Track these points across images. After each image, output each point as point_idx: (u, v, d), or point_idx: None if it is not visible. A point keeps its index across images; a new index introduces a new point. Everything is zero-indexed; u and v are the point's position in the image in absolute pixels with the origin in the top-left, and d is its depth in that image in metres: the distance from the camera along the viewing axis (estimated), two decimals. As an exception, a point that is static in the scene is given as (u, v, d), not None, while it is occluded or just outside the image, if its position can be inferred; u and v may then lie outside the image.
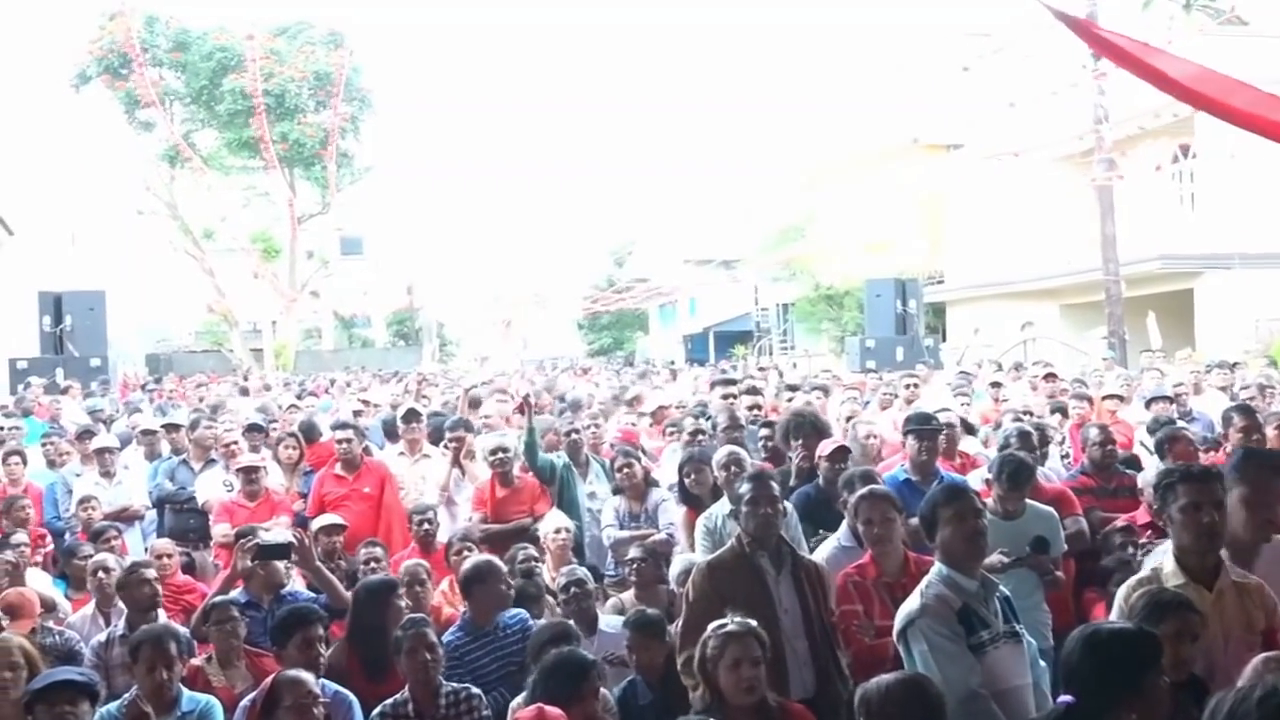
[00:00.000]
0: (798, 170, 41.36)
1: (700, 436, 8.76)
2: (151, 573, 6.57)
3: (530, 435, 8.58)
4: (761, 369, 22.92)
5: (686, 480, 7.47)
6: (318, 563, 6.55)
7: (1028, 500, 6.39)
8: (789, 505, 6.48)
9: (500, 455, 8.49)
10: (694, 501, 7.34)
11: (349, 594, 6.32)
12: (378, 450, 10.19)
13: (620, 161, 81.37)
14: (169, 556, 7.63)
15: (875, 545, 5.43)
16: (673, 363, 36.80)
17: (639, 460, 8.24)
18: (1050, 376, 12.96)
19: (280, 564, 6.54)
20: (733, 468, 7.00)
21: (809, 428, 8.05)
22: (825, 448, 7.40)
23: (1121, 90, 22.46)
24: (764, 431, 8.78)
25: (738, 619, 4.40)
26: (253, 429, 10.41)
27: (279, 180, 41.90)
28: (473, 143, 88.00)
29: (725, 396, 10.52)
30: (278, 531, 6.90)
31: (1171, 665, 3.66)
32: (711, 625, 4.42)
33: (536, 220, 62.58)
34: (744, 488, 5.36)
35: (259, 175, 43.06)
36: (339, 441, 9.06)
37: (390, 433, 11.12)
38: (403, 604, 6.09)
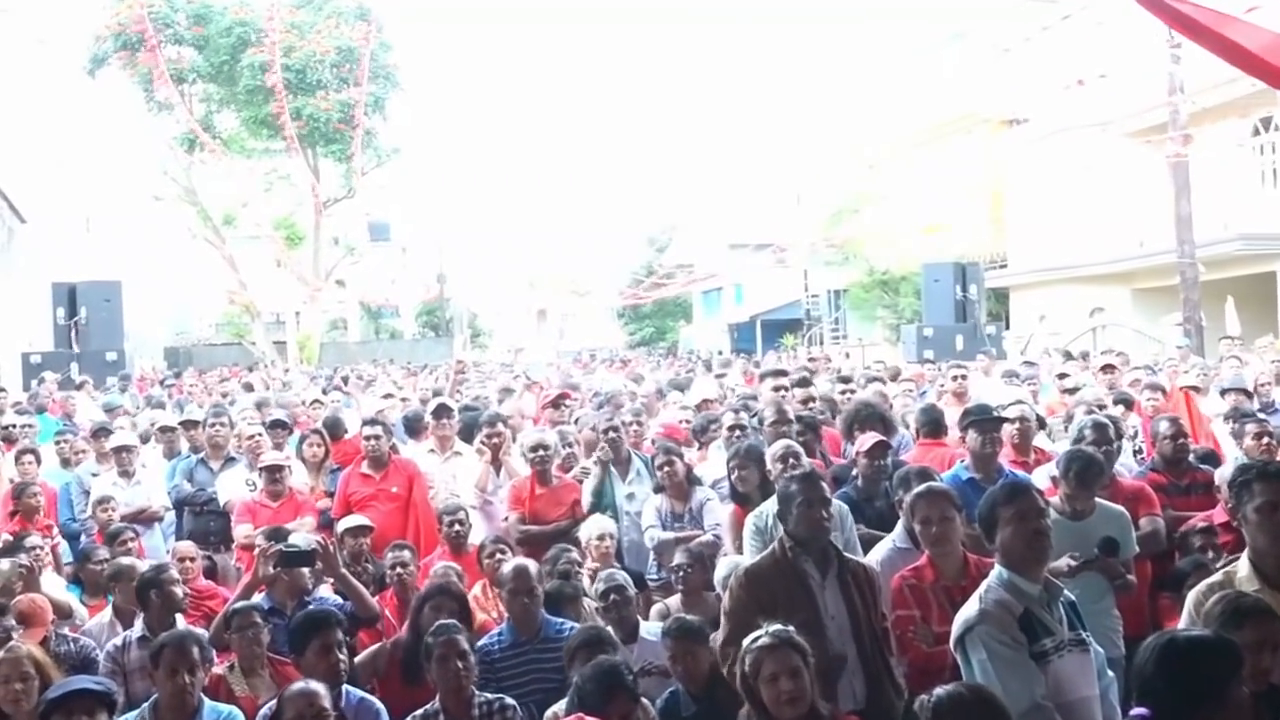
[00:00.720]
0: (851, 148, 41.17)
1: (738, 432, 8.69)
2: (176, 575, 6.64)
3: (599, 485, 8.59)
4: (812, 360, 22.86)
5: (734, 476, 7.44)
6: (343, 569, 6.61)
7: (1098, 499, 6.33)
8: (842, 506, 6.46)
9: (541, 453, 8.50)
10: (743, 499, 7.32)
11: (376, 600, 6.37)
12: (401, 447, 10.24)
13: (661, 142, 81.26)
14: (191, 560, 7.71)
15: (933, 546, 5.39)
16: (721, 353, 36.70)
17: (681, 457, 8.22)
18: (1108, 368, 12.79)
19: (305, 570, 6.59)
20: (789, 461, 6.97)
21: (875, 420, 7.99)
22: (864, 443, 7.38)
23: (1198, 59, 22.19)
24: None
25: (773, 629, 4.37)
26: (276, 425, 10.50)
27: (301, 163, 42.13)
28: (505, 125, 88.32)
29: (777, 389, 10.40)
30: (301, 536, 6.94)
31: (1251, 675, 3.62)
32: (747, 638, 4.42)
33: (573, 205, 62.76)
34: (791, 487, 5.35)
35: (281, 158, 43.29)
36: (367, 438, 9.11)
37: (413, 428, 11.17)
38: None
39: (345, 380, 18.77)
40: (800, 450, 7.26)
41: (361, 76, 39.90)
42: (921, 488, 5.64)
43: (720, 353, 38.05)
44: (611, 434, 8.83)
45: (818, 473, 5.72)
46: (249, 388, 18.56)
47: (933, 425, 8.49)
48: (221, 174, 41.69)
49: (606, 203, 62.01)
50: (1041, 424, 9.38)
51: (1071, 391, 11.83)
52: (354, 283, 53.35)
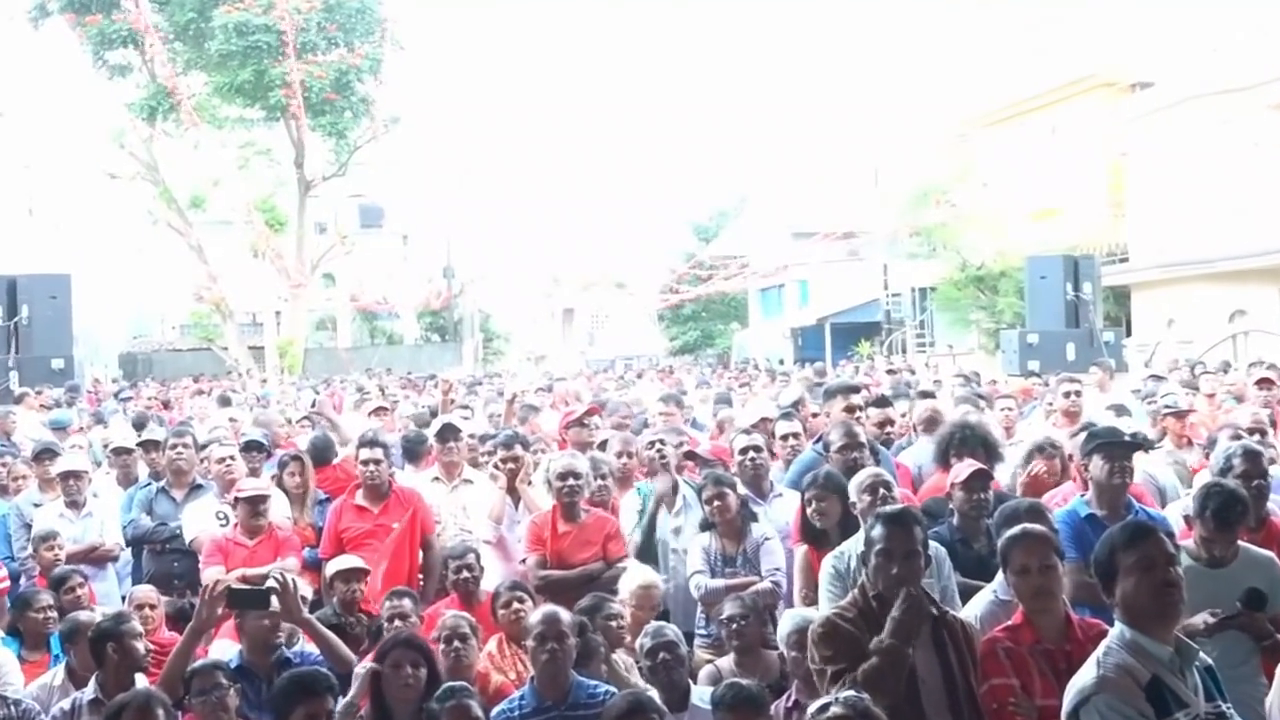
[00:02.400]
0: (943, 118, 41.06)
1: (793, 441, 8.71)
2: (139, 627, 6.65)
3: (652, 521, 8.59)
4: (892, 371, 22.78)
5: (810, 509, 7.41)
6: (307, 614, 6.56)
7: (1241, 542, 6.28)
8: (938, 549, 6.43)
9: (570, 482, 8.42)
10: (817, 538, 7.30)
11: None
12: (399, 473, 10.27)
13: (709, 112, 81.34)
14: (152, 607, 7.74)
15: (1031, 600, 5.34)
16: (781, 362, 36.69)
17: (734, 488, 8.17)
18: (1264, 382, 12.68)
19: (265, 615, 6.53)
20: (880, 493, 6.96)
21: (976, 444, 7.96)
22: (960, 472, 7.35)
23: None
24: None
25: (846, 695, 4.36)
26: (252, 447, 10.52)
27: (282, 134, 42.40)
28: (525, 91, 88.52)
29: (849, 409, 10.02)
30: (278, 570, 6.94)
31: None
32: (812, 708, 4.39)
33: (604, 185, 62.94)
34: (875, 530, 5.31)
35: (259, 129, 43.62)
36: (363, 463, 9.13)
37: (413, 453, 11.19)
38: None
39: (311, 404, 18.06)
40: (892, 480, 7.23)
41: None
42: (1017, 530, 5.57)
43: (780, 362, 37.97)
44: (659, 446, 8.80)
45: (911, 512, 5.62)
46: (225, 401, 18.57)
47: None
48: (188, 147, 41.98)
49: (644, 184, 62.21)
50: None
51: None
52: (345, 277, 53.61)
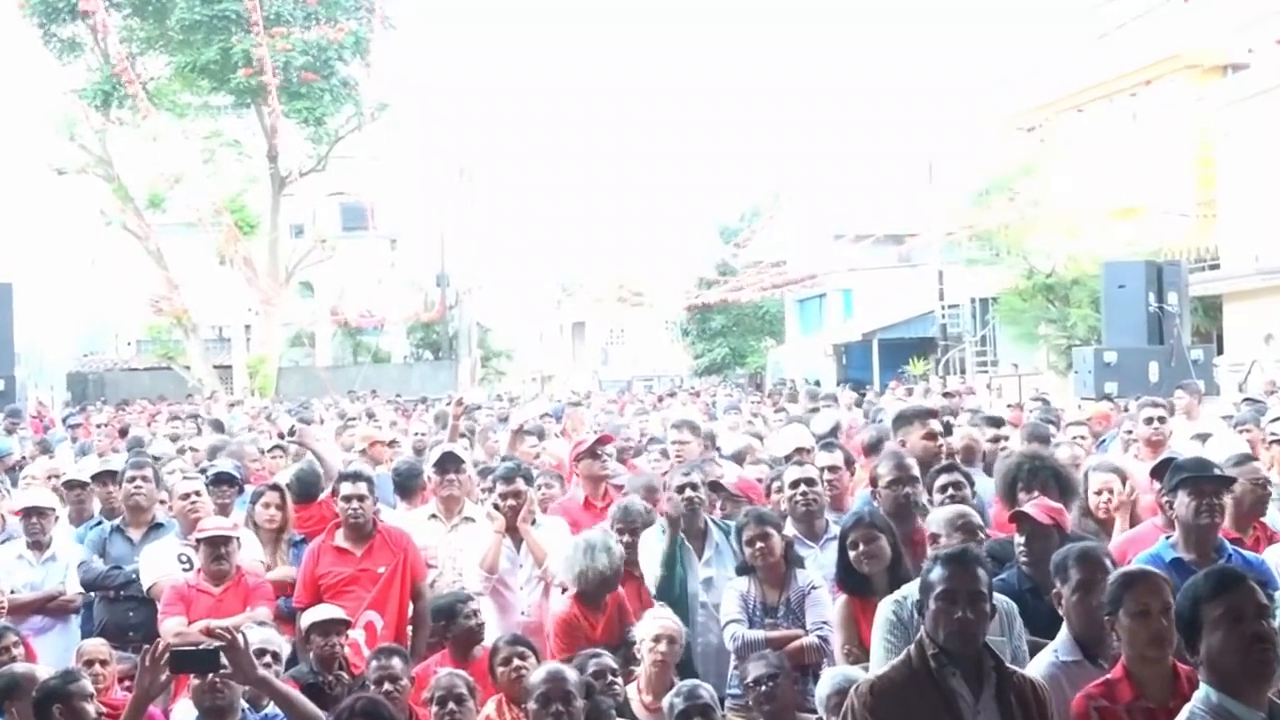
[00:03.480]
0: (1007, 104, 41.00)
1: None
2: (89, 686, 6.63)
3: (672, 549, 8.56)
4: (949, 394, 22.75)
5: (856, 552, 7.32)
6: (264, 673, 6.44)
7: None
8: (1008, 604, 6.43)
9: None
10: (859, 586, 7.28)
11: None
12: (389, 511, 10.25)
13: (738, 99, 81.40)
14: (103, 663, 7.72)
15: (1146, 648, 5.31)
16: (818, 384, 36.66)
17: (779, 529, 8.11)
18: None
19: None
20: (979, 535, 6.95)
21: (1048, 479, 7.95)
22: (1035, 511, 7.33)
23: None
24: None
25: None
26: (221, 480, 10.49)
27: (254, 124, 42.46)
28: (531, 77, 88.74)
29: (930, 436, 9.86)
30: (259, 632, 6.95)
31: None
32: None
33: (620, 184, 63.09)
34: (934, 572, 5.28)
35: (228, 118, 43.72)
36: (346, 499, 9.08)
37: (406, 487, 11.17)
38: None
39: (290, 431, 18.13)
40: (981, 523, 7.19)
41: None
42: (1134, 569, 5.61)
43: (816, 383, 37.85)
44: (689, 491, 8.71)
45: (973, 551, 5.64)
46: (219, 426, 18.40)
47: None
48: (146, 139, 42.03)
49: (665, 181, 62.33)
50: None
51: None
52: (324, 286, 53.65)
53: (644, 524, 8.85)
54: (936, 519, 7.17)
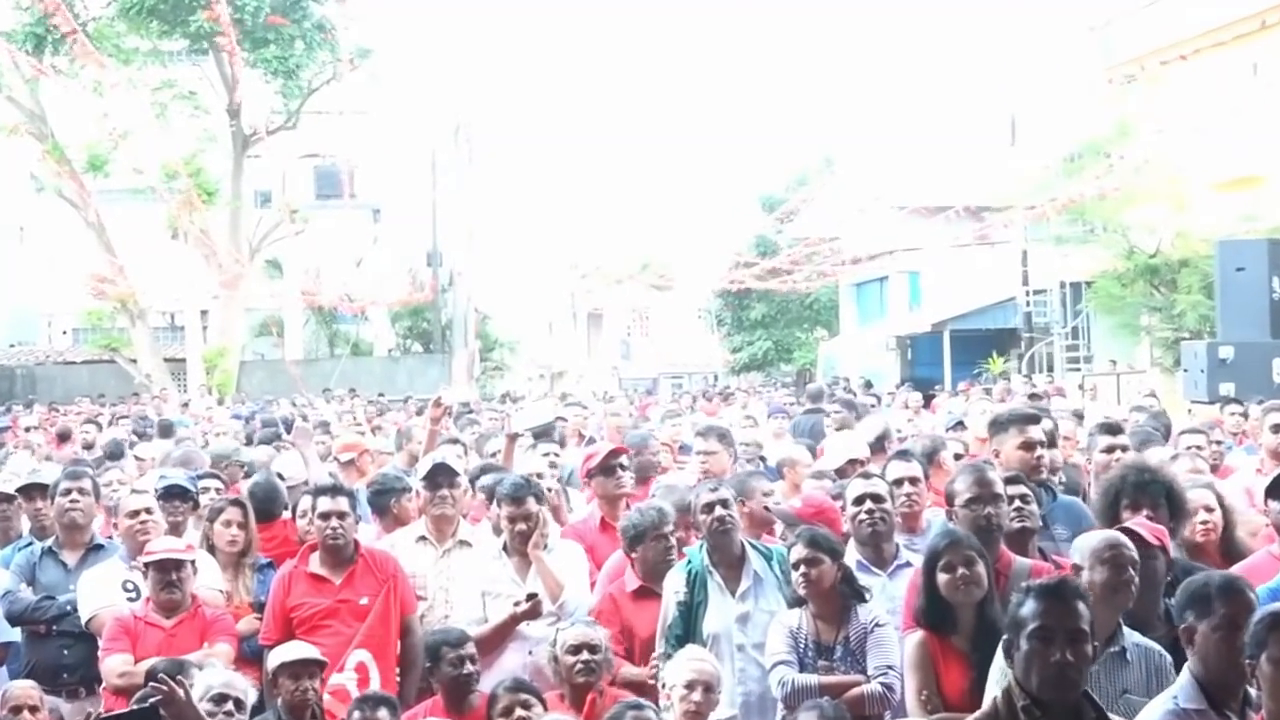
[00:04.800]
0: (1102, 56, 40.90)
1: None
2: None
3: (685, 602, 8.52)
4: (1035, 395, 22.67)
5: (943, 579, 7.24)
6: None
7: None
8: (1160, 651, 6.42)
9: (586, 658, 8.08)
10: (944, 619, 7.23)
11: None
12: (367, 530, 10.22)
13: (783, 50, 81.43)
14: (33, 710, 7.73)
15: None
16: (869, 385, 36.51)
17: (835, 554, 7.98)
18: None
19: None
20: (1127, 568, 6.83)
21: (1157, 495, 7.91)
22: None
23: None
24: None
25: None
26: (173, 494, 10.40)
27: (213, 72, 42.50)
28: (539, 19, 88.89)
29: (1028, 446, 9.52)
30: (218, 673, 6.93)
31: None
32: None
33: (643, 147, 63.12)
34: (1026, 606, 5.24)
35: (181, 65, 43.76)
36: (321, 517, 9.02)
37: (384, 505, 10.95)
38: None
39: (286, 425, 18.43)
40: (1136, 557, 7.02)
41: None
42: (1277, 609, 5.51)
43: (868, 384, 37.71)
44: (719, 509, 8.56)
45: (1073, 584, 5.59)
46: (167, 430, 18.44)
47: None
48: (86, 90, 42.02)
49: (696, 146, 62.27)
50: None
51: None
52: (295, 265, 53.70)
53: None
54: (1081, 546, 7.07)
